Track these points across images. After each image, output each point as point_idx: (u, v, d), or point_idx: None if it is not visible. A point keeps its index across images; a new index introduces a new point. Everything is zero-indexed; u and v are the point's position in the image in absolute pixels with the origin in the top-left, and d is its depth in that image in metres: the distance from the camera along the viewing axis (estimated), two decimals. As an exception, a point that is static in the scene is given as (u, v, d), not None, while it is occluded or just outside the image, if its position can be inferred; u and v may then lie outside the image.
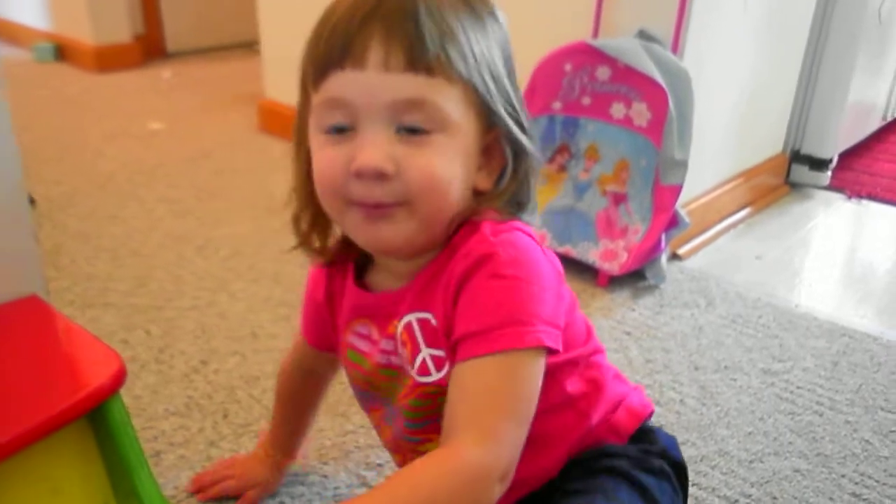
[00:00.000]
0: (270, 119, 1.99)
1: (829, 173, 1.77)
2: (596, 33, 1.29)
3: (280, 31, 1.92)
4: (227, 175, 1.74)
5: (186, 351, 1.07)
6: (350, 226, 0.57)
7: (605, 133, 1.27)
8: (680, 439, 0.91)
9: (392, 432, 0.67)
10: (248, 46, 2.10)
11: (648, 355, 1.10)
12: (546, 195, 1.34)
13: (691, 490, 0.84)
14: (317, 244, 0.63)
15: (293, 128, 0.61)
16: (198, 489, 0.82)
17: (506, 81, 0.57)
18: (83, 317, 1.15)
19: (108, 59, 2.61)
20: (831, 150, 1.75)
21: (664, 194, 1.23)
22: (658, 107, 1.19)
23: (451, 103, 0.53)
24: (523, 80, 1.30)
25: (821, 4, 1.63)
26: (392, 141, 0.53)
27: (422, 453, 0.56)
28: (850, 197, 1.75)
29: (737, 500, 0.83)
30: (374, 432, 0.90)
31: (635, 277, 1.30)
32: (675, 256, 1.40)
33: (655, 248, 1.26)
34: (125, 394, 0.96)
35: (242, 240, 1.42)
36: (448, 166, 0.54)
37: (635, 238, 1.25)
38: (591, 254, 1.29)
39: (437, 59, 0.51)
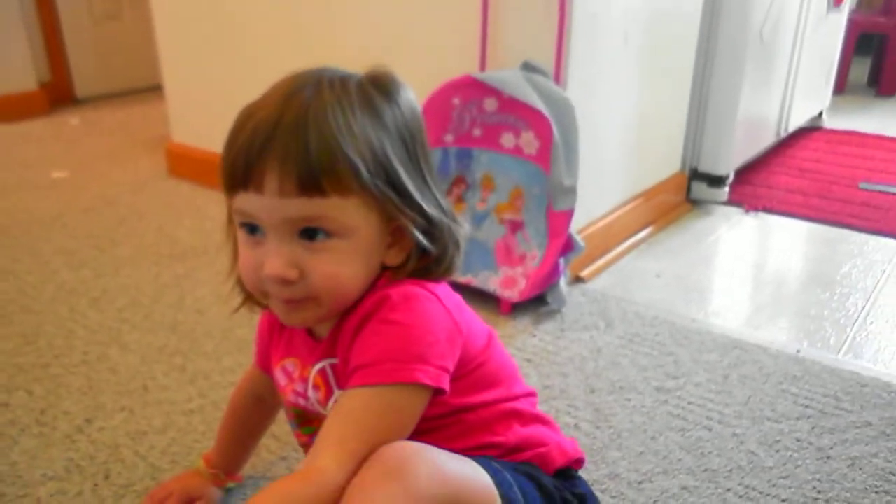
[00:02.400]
0: (179, 162, 1.96)
1: (727, 189, 1.84)
2: (483, 66, 1.32)
3: (182, 74, 1.91)
4: (131, 222, 1.70)
5: (70, 410, 1.03)
6: (273, 308, 0.65)
7: (497, 162, 1.29)
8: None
9: None
10: (159, 90, 2.08)
11: (547, 381, 1.10)
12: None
13: (578, 516, 0.84)
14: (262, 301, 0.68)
15: (227, 207, 0.65)
16: None
17: (401, 170, 0.61)
18: (-38, 381, 1.10)
19: (12, 109, 2.53)
20: (727, 167, 1.82)
21: (557, 220, 1.25)
22: (544, 135, 1.22)
23: (347, 213, 0.59)
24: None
25: (704, 29, 1.71)
26: (295, 248, 0.59)
27: None
28: (748, 211, 1.82)
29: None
30: (262, 482, 0.89)
31: (537, 303, 1.31)
32: (578, 279, 1.42)
33: (553, 273, 1.28)
34: (1, 461, 0.93)
35: (141, 289, 1.38)
36: (348, 267, 0.61)
37: (532, 264, 1.27)
38: (491, 282, 1.30)
39: (328, 182, 0.57)
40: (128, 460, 0.93)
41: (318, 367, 0.66)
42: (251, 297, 0.68)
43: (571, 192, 1.23)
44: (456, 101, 1.28)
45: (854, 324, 1.30)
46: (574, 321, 1.28)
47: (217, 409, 1.02)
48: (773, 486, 0.90)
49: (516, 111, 1.24)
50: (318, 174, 0.56)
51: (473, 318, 0.69)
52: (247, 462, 0.89)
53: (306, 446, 0.74)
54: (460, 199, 1.34)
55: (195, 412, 1.02)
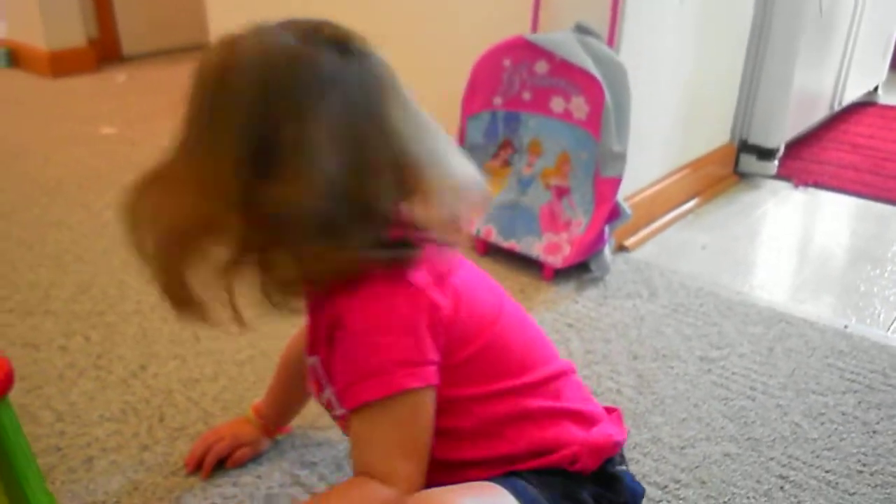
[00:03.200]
0: (224, 121, 1.97)
1: (777, 162, 1.80)
2: (535, 28, 1.30)
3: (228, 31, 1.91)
4: (179, 178, 1.72)
5: (126, 356, 1.06)
6: None
7: (546, 127, 1.28)
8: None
9: None
10: (204, 48, 2.10)
11: (589, 346, 1.11)
12: (492, 191, 1.34)
13: (621, 477, 0.85)
14: None
15: None
16: (195, 466, 0.85)
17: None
18: (22, 324, 1.14)
19: (61, 64, 2.57)
20: (778, 140, 1.78)
21: (604, 186, 1.24)
22: (595, 100, 1.21)
23: None
24: (464, 75, 1.30)
25: (762, -4, 1.66)
26: None
27: None
28: (797, 185, 1.78)
29: (666, 486, 0.84)
30: (309, 432, 0.92)
31: (580, 270, 1.31)
32: (622, 248, 1.41)
33: (598, 241, 1.27)
34: (61, 401, 0.97)
35: (190, 243, 1.41)
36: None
37: (578, 231, 1.27)
38: (535, 248, 1.30)
39: None
40: (181, 405, 0.96)
41: (310, 361, 0.67)
42: None
43: (620, 158, 1.22)
44: (507, 62, 1.27)
45: (905, 301, 1.28)
46: (617, 289, 1.27)
47: (267, 359, 1.04)
48: (817, 457, 0.90)
49: (568, 75, 1.22)
50: None
51: (474, 291, 0.65)
52: (295, 414, 0.90)
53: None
54: (506, 164, 1.34)
55: (245, 362, 1.05)
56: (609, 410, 0.73)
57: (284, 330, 1.09)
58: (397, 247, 0.58)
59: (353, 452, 0.61)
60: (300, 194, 0.54)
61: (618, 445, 0.69)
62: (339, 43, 0.56)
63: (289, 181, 0.54)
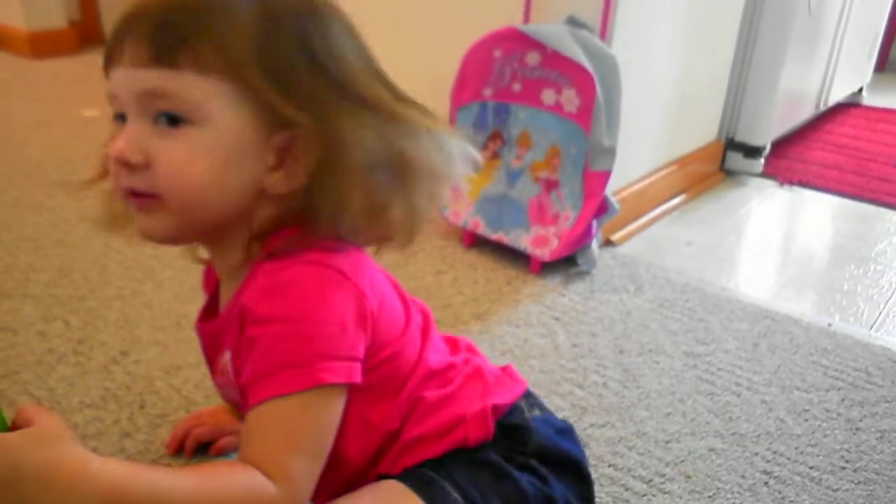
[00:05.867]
0: (209, 106, 1.95)
1: (763, 161, 1.81)
2: (526, 19, 1.30)
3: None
4: (162, 163, 1.70)
5: (107, 342, 1.05)
6: (132, 213, 0.57)
7: (536, 119, 1.28)
8: (600, 421, 0.93)
9: None
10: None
11: (575, 340, 1.11)
12: (479, 183, 1.34)
13: (606, 471, 0.85)
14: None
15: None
16: (177, 449, 0.84)
17: (290, 62, 0.53)
18: (0, 308, 1.11)
19: (42, 45, 2.53)
20: (764, 138, 1.79)
21: (593, 180, 1.24)
22: (586, 93, 1.20)
23: (204, 95, 0.52)
24: (455, 65, 1.29)
25: (752, -6, 1.66)
26: (150, 133, 0.53)
27: None
28: (782, 184, 1.79)
29: (651, 480, 0.84)
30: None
31: (567, 263, 1.31)
32: (608, 242, 1.41)
33: (586, 235, 1.27)
34: (39, 386, 0.95)
35: (173, 229, 1.39)
36: (200, 163, 0.53)
37: (566, 224, 1.26)
38: (522, 240, 1.29)
39: (183, 52, 0.51)
40: (162, 392, 0.95)
41: (223, 357, 0.60)
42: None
43: (610, 152, 1.22)
44: (497, 53, 1.26)
45: (888, 301, 1.29)
46: (604, 283, 1.27)
47: (250, 349, 1.03)
48: (801, 453, 0.90)
49: (559, 67, 1.22)
50: (172, 40, 0.51)
51: (389, 295, 0.61)
52: None
53: None
54: (495, 155, 1.33)
55: (228, 350, 1.03)
56: (503, 369, 0.71)
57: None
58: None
59: (242, 442, 0.53)
60: None
61: (504, 406, 0.66)
62: None
63: None
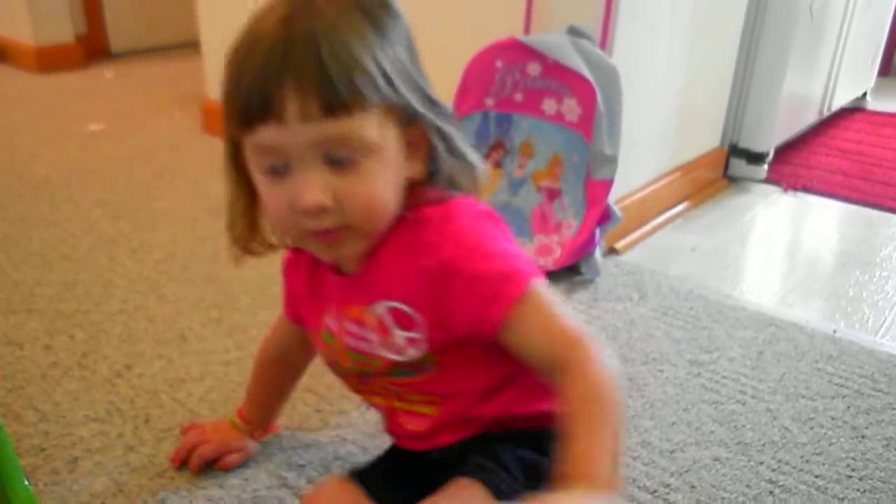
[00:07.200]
0: (214, 120, 1.96)
1: (766, 167, 1.80)
2: (527, 30, 1.30)
3: (220, 31, 1.89)
4: (167, 177, 1.71)
5: (111, 356, 1.05)
6: (312, 249, 0.63)
7: (538, 129, 1.28)
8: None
9: (372, 388, 0.71)
10: (195, 45, 2.08)
11: (579, 349, 1.10)
12: (482, 193, 1.34)
13: (611, 481, 0.85)
14: (259, 250, 0.68)
15: (224, 150, 0.63)
16: (181, 462, 0.85)
17: (413, 73, 0.60)
18: (6, 322, 1.12)
19: (49, 60, 2.55)
20: (767, 144, 1.79)
21: (596, 189, 1.24)
22: (587, 102, 1.20)
23: (372, 129, 0.56)
24: (456, 76, 1.30)
25: (753, 1, 1.66)
26: (324, 173, 0.56)
27: (407, 393, 0.68)
28: (786, 190, 1.79)
29: (656, 490, 0.84)
30: (297, 434, 0.91)
31: (571, 272, 1.31)
32: (612, 251, 1.41)
33: (589, 243, 1.27)
34: (45, 400, 0.95)
35: (177, 242, 1.39)
36: (381, 187, 0.58)
37: (569, 233, 1.26)
38: (526, 249, 1.29)
39: (351, 99, 0.54)
40: (167, 405, 0.95)
41: (376, 309, 0.63)
42: (246, 247, 0.67)
43: (612, 161, 1.22)
44: (499, 63, 1.26)
45: (893, 307, 1.28)
46: (608, 292, 1.27)
47: (253, 361, 1.03)
48: (807, 461, 0.90)
49: (560, 76, 1.22)
50: (340, 91, 0.54)
51: None
52: (280, 414, 0.90)
53: (362, 393, 0.74)
54: (497, 165, 1.33)
55: (232, 363, 1.04)
56: None
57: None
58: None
59: (539, 345, 0.59)
60: None
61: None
62: None
63: None
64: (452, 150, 0.62)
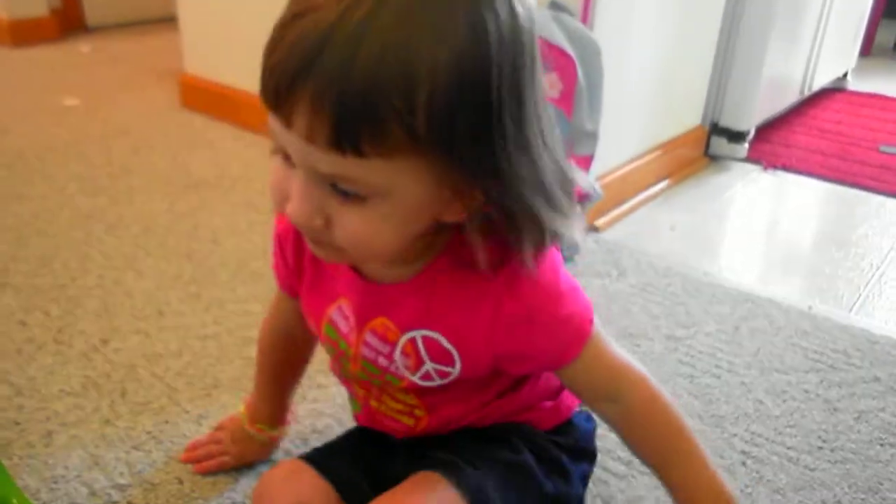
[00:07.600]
0: (192, 94, 1.93)
1: (747, 145, 1.81)
2: (508, 4, 1.29)
3: (198, 6, 1.87)
4: (144, 152, 1.69)
5: (87, 330, 1.04)
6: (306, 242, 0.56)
7: (518, 105, 1.27)
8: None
9: (369, 391, 0.69)
10: (172, 21, 2.04)
11: (558, 324, 1.11)
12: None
13: (586, 453, 0.86)
14: None
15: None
16: (192, 461, 0.82)
17: (509, 129, 0.47)
18: (-20, 298, 1.11)
19: (22, 34, 2.50)
20: (748, 123, 1.79)
21: (576, 165, 1.23)
22: (568, 77, 1.20)
23: (384, 178, 0.46)
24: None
25: (735, -22, 1.66)
26: (324, 193, 0.48)
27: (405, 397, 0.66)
28: (766, 168, 1.80)
29: (630, 461, 0.85)
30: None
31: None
32: (592, 228, 1.42)
33: (569, 220, 1.27)
34: (19, 375, 0.94)
35: (155, 217, 1.38)
36: (381, 232, 0.49)
37: (549, 209, 1.26)
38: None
39: (368, 140, 0.44)
40: (144, 380, 0.95)
41: (410, 335, 0.60)
42: None
43: (593, 136, 1.22)
44: (480, 39, 1.25)
45: (867, 284, 1.30)
46: (587, 268, 1.28)
47: (232, 337, 1.03)
48: (779, 433, 0.91)
49: (541, 51, 1.21)
50: (355, 133, 0.43)
51: None
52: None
53: (357, 395, 0.71)
54: (478, 141, 1.33)
55: (210, 338, 1.03)
56: None
57: (247, 307, 1.09)
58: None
59: (603, 381, 0.62)
60: None
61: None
62: None
63: None
64: (512, 225, 0.52)
